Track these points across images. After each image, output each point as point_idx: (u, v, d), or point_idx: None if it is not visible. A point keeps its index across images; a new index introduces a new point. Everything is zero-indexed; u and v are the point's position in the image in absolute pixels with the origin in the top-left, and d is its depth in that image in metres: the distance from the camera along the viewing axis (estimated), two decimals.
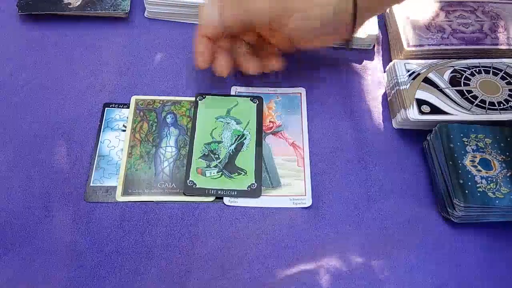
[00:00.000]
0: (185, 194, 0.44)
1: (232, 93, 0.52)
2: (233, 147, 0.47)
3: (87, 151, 0.47)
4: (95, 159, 0.46)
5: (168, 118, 0.49)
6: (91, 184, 0.45)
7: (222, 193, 0.44)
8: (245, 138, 0.48)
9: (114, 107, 0.50)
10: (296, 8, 0.44)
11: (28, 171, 0.45)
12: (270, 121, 0.50)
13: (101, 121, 0.49)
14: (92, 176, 0.45)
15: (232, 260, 0.41)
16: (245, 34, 0.49)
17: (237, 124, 0.49)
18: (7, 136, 0.48)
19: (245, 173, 0.46)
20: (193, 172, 0.45)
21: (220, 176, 0.45)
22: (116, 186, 0.45)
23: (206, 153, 0.47)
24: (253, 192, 0.45)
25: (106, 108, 0.50)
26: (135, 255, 0.41)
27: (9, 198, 0.44)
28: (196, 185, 0.45)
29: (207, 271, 0.41)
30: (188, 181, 0.45)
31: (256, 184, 0.45)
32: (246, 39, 0.50)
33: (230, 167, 0.46)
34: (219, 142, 0.47)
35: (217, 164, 0.46)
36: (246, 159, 0.46)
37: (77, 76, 0.52)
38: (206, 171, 0.45)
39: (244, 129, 0.48)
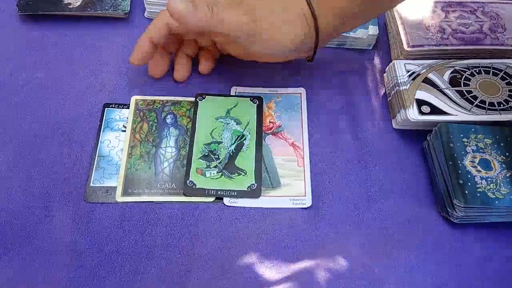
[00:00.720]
0: (185, 195, 0.44)
1: (232, 93, 0.52)
2: (233, 147, 0.47)
3: (87, 151, 0.47)
4: (95, 159, 0.46)
5: (168, 118, 0.49)
6: (91, 184, 0.45)
7: (222, 193, 0.44)
8: (245, 139, 0.48)
9: (114, 107, 0.50)
10: (262, 34, 0.44)
11: (28, 171, 0.45)
12: (270, 121, 0.50)
13: (101, 121, 0.49)
14: (92, 176, 0.45)
15: (232, 260, 0.41)
16: (199, 39, 0.50)
17: (237, 124, 0.49)
18: (7, 136, 0.48)
19: (245, 174, 0.46)
20: (193, 173, 0.45)
21: (220, 177, 0.45)
22: (116, 187, 0.45)
23: (206, 154, 0.47)
24: (253, 193, 0.45)
25: (106, 108, 0.50)
26: (135, 255, 0.41)
27: (9, 198, 0.44)
28: (196, 186, 0.45)
29: (207, 271, 0.41)
30: (188, 182, 0.45)
31: (256, 185, 0.45)
32: (202, 43, 0.51)
33: (230, 168, 0.46)
34: (219, 143, 0.47)
35: (217, 165, 0.46)
36: (246, 160, 0.46)
37: (77, 76, 0.52)
38: (206, 172, 0.46)
39: (244, 130, 0.48)
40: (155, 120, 0.49)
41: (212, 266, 0.41)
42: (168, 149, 0.47)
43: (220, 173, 0.46)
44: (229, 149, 0.47)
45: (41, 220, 0.43)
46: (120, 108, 0.50)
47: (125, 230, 0.43)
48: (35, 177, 0.45)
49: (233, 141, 0.48)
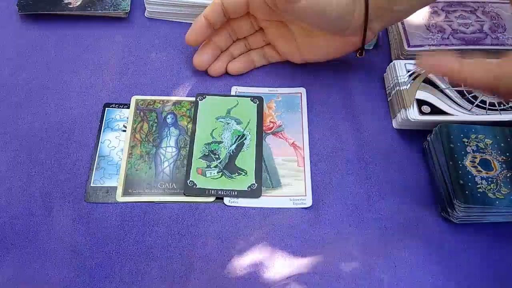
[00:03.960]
0: (185, 195, 0.44)
1: (233, 93, 0.52)
2: (233, 147, 0.47)
3: (87, 151, 0.47)
4: (95, 159, 0.46)
5: (168, 118, 0.49)
6: (92, 185, 0.45)
7: (222, 193, 0.44)
8: (245, 138, 0.48)
9: (114, 107, 0.50)
10: None
11: (28, 171, 0.45)
12: (270, 121, 0.50)
13: (101, 121, 0.49)
14: (93, 177, 0.45)
15: (232, 260, 0.41)
16: (243, 23, 0.51)
17: (237, 124, 0.49)
18: (7, 136, 0.48)
19: (246, 174, 0.46)
20: (193, 172, 0.45)
21: (221, 177, 0.45)
22: (116, 187, 0.45)
23: (207, 153, 0.47)
24: (253, 192, 0.45)
25: (106, 108, 0.50)
26: (135, 255, 0.41)
27: (10, 198, 0.44)
28: (196, 186, 0.45)
29: (207, 271, 0.41)
30: (188, 182, 0.45)
31: (256, 184, 0.45)
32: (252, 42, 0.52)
33: (230, 168, 0.46)
34: (220, 142, 0.47)
35: (217, 165, 0.46)
36: (246, 160, 0.46)
37: (77, 76, 0.52)
38: (206, 171, 0.46)
39: (245, 129, 0.48)
40: (156, 120, 0.49)
41: (212, 266, 0.41)
42: (169, 149, 0.47)
43: (221, 173, 0.46)
44: (230, 149, 0.47)
45: (41, 220, 0.43)
46: (120, 108, 0.50)
47: (125, 230, 0.43)
48: (35, 177, 0.45)
49: (233, 141, 0.48)
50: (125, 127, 0.48)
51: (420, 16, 0.54)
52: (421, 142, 0.48)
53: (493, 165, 0.44)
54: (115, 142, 0.47)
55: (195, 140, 0.47)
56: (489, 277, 0.41)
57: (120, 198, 0.44)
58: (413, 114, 0.46)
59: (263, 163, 0.47)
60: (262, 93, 0.52)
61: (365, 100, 0.52)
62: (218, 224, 0.43)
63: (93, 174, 0.45)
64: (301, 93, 0.52)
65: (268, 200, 0.45)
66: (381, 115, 0.51)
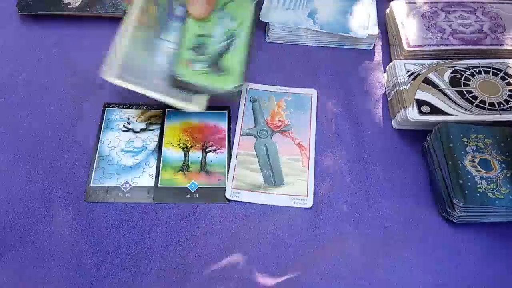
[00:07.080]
0: (171, 87, 0.43)
1: (244, 90, 0.51)
2: (223, 44, 0.45)
3: (87, 151, 0.47)
4: (95, 159, 0.46)
5: (177, 10, 0.47)
6: (91, 184, 0.45)
7: (205, 91, 0.43)
8: (236, 39, 0.46)
9: (114, 107, 0.50)
10: None
11: (28, 171, 0.45)
12: (279, 120, 0.50)
13: (101, 121, 0.49)
14: (92, 176, 0.45)
15: (232, 260, 0.41)
16: None
17: (231, 21, 0.47)
18: (7, 136, 0.48)
19: (232, 73, 0.44)
20: (181, 64, 0.44)
21: (207, 72, 0.44)
22: (116, 186, 0.44)
23: (196, 45, 0.45)
24: (235, 96, 0.44)
25: (106, 108, 0.50)
26: (135, 255, 0.41)
27: (10, 198, 0.44)
28: (181, 78, 0.43)
29: (207, 271, 0.41)
30: (174, 74, 0.43)
31: (242, 85, 0.44)
32: None
33: (218, 64, 0.44)
34: (210, 37, 0.46)
35: (205, 59, 0.44)
36: (234, 59, 0.45)
37: (77, 76, 0.52)
38: (194, 65, 0.44)
39: (237, 28, 0.46)
40: (165, 7, 0.46)
41: (212, 266, 0.41)
42: (167, 43, 0.46)
43: (208, 68, 0.44)
44: (220, 45, 0.45)
45: (41, 220, 0.43)
46: (120, 108, 0.50)
47: (125, 230, 0.43)
48: (35, 177, 0.45)
49: (224, 38, 0.46)
50: (125, 127, 0.48)
51: (420, 16, 0.54)
52: (421, 142, 0.48)
53: (492, 165, 0.44)
54: (115, 142, 0.47)
55: (187, 30, 0.45)
56: (489, 276, 0.41)
57: (112, 79, 0.42)
58: (412, 114, 0.46)
59: (267, 160, 0.46)
60: (273, 91, 0.51)
61: (365, 100, 0.52)
62: (218, 224, 0.43)
63: (93, 174, 0.45)
64: (312, 94, 0.52)
65: (269, 198, 0.45)
66: (381, 115, 0.51)
